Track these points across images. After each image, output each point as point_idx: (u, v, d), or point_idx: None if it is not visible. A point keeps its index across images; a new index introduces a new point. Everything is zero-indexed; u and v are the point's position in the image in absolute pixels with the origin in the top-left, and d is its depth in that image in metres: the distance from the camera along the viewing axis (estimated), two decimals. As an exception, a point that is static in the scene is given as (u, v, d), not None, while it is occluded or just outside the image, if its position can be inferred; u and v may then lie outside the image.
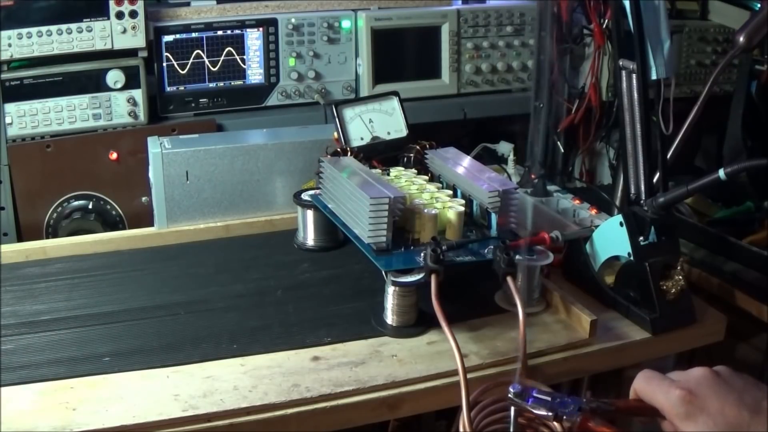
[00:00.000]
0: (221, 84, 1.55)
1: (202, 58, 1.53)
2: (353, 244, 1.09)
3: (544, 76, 1.55)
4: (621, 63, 1.12)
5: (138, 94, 1.47)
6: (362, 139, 1.31)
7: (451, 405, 0.95)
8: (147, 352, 0.99)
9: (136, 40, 1.44)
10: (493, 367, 0.99)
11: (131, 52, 1.46)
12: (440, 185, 1.20)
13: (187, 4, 1.54)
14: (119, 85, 1.45)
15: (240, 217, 1.35)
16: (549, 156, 1.73)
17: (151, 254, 1.27)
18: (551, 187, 1.37)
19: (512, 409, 0.81)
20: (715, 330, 1.13)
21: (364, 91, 1.61)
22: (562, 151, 1.76)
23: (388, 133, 1.34)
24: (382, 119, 1.34)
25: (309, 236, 1.28)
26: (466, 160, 1.22)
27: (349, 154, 1.25)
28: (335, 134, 1.31)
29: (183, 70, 1.52)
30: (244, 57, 1.56)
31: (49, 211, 1.45)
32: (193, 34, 1.52)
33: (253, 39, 1.55)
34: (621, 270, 1.12)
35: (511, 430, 0.82)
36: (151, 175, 1.30)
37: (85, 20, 1.40)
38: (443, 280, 0.99)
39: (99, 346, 1.00)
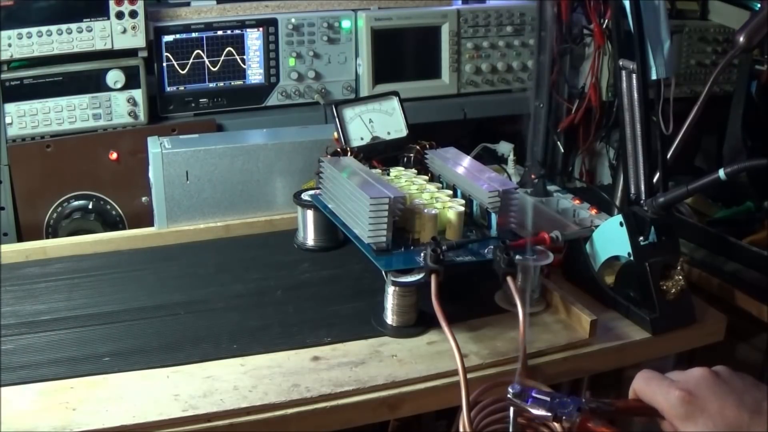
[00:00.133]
0: (221, 84, 1.55)
1: (202, 58, 1.53)
2: (353, 244, 1.09)
3: (544, 76, 1.55)
4: (621, 63, 1.12)
5: (138, 94, 1.47)
6: (362, 139, 1.31)
7: (451, 405, 0.95)
8: (147, 352, 0.99)
9: (136, 40, 1.44)
10: (493, 367, 0.99)
11: (131, 52, 1.46)
12: (440, 185, 1.20)
13: (187, 4, 1.54)
14: (119, 85, 1.45)
15: (240, 217, 1.35)
16: (549, 156, 1.73)
17: (151, 254, 1.27)
18: (551, 187, 1.37)
19: (511, 409, 0.81)
20: (715, 330, 1.13)
21: (364, 91, 1.61)
22: (562, 151, 1.76)
23: (388, 133, 1.34)
24: (382, 119, 1.34)
25: (309, 236, 1.28)
26: (466, 160, 1.22)
27: (349, 154, 1.25)
28: (335, 134, 1.31)
29: (183, 70, 1.52)
30: (244, 57, 1.56)
31: (49, 211, 1.45)
32: (193, 34, 1.51)
33: (253, 39, 1.55)
34: (621, 270, 1.12)
35: (511, 430, 0.82)
36: (151, 175, 1.30)
37: (85, 20, 1.40)
38: (443, 280, 0.99)
39: (99, 346, 1.00)
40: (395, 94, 1.36)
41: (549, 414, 0.76)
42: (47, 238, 1.43)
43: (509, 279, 1.00)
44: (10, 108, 1.40)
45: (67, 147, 1.44)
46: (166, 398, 0.90)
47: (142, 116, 1.48)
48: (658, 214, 1.09)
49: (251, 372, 0.96)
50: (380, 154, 1.30)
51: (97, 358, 0.97)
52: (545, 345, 1.03)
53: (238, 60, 1.55)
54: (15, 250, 1.24)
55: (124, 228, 1.47)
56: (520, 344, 0.94)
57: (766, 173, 1.26)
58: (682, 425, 0.73)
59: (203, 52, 1.52)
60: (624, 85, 1.13)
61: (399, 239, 1.07)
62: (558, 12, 1.60)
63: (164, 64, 1.50)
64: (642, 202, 1.12)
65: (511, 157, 1.61)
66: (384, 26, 1.60)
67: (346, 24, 1.60)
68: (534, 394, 0.77)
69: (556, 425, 0.77)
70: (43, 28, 1.38)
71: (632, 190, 1.14)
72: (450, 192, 1.16)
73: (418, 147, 1.28)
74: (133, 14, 1.43)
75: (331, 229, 1.25)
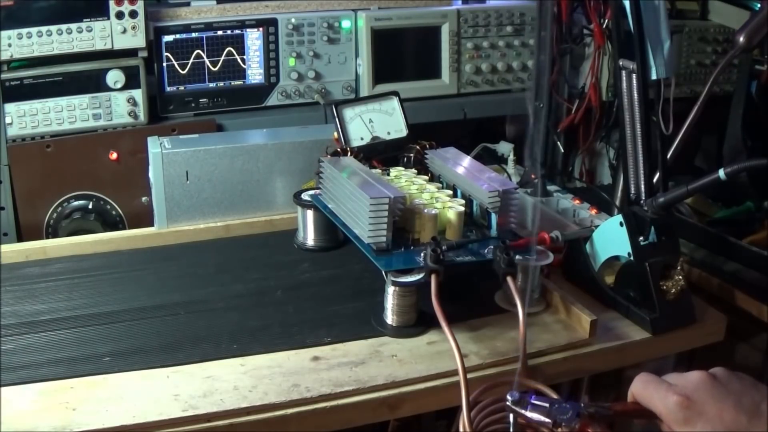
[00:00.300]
0: (221, 84, 1.55)
1: (202, 58, 1.53)
2: (353, 244, 1.09)
3: (544, 76, 1.55)
4: (621, 63, 1.12)
5: (138, 94, 1.47)
6: (362, 139, 1.31)
7: (451, 405, 0.95)
8: (147, 352, 0.99)
9: (136, 40, 1.44)
10: (493, 367, 0.99)
11: (131, 52, 1.46)
12: (440, 185, 1.20)
13: (187, 4, 1.54)
14: (119, 85, 1.45)
15: (240, 217, 1.35)
16: (549, 156, 1.73)
17: (151, 254, 1.27)
18: (551, 187, 1.37)
19: (511, 415, 0.81)
20: (715, 330, 1.13)
21: (364, 91, 1.61)
22: (562, 151, 1.76)
23: (388, 133, 1.34)
24: (382, 119, 1.34)
25: (309, 236, 1.28)
26: (466, 160, 1.22)
27: (349, 154, 1.25)
28: (335, 134, 1.31)
29: (183, 70, 1.52)
30: (244, 57, 1.55)
31: (49, 211, 1.45)
32: (193, 34, 1.51)
33: (253, 39, 1.55)
34: (621, 270, 1.12)
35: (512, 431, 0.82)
36: (151, 175, 1.30)
37: (85, 20, 1.40)
38: (443, 280, 0.99)
39: (99, 346, 1.00)
40: (395, 94, 1.36)
41: (548, 420, 0.76)
42: (47, 238, 1.43)
43: (509, 279, 1.00)
44: (10, 108, 1.40)
45: (67, 147, 1.44)
46: (166, 398, 0.90)
47: (142, 116, 1.48)
48: (658, 214, 1.09)
49: (251, 372, 0.96)
50: (380, 154, 1.30)
51: (97, 358, 0.97)
52: (545, 345, 1.03)
53: (238, 60, 1.55)
54: (15, 250, 1.24)
55: (124, 228, 1.47)
56: (520, 344, 0.94)
57: (766, 173, 1.25)
58: (681, 429, 0.73)
59: (203, 52, 1.52)
60: (624, 85, 1.13)
61: (399, 239, 1.07)
62: (558, 12, 1.60)
63: (164, 64, 1.50)
64: (642, 202, 1.12)
65: (511, 157, 1.61)
66: (384, 26, 1.60)
67: (346, 24, 1.60)
68: (533, 401, 0.77)
69: (556, 431, 0.77)
70: (43, 28, 1.38)
71: (632, 190, 1.14)
72: (450, 192, 1.16)
73: (418, 147, 1.28)
74: (133, 14, 1.43)
75: (331, 229, 1.25)
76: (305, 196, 1.27)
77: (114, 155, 1.46)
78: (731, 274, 1.24)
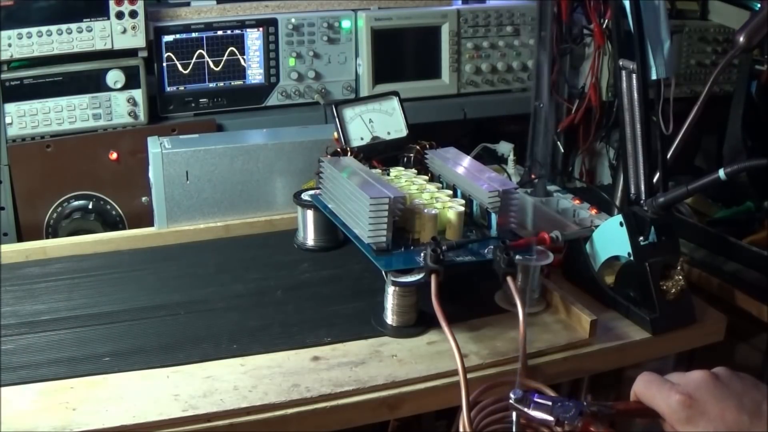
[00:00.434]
0: (221, 84, 1.55)
1: (202, 58, 1.53)
2: (353, 244, 1.09)
3: (544, 76, 1.55)
4: (621, 63, 1.12)
5: (138, 94, 1.47)
6: (362, 139, 1.31)
7: (451, 405, 0.95)
8: (147, 352, 0.99)
9: (136, 40, 1.44)
10: (493, 367, 0.99)
11: (131, 52, 1.46)
12: (440, 185, 1.20)
13: (187, 4, 1.54)
14: (119, 85, 1.45)
15: (240, 217, 1.35)
16: (549, 156, 1.73)
17: (151, 254, 1.27)
18: (551, 187, 1.37)
19: (514, 414, 0.81)
20: (715, 330, 1.13)
21: (364, 91, 1.61)
22: (562, 151, 1.76)
23: (388, 133, 1.34)
24: (382, 119, 1.34)
25: (309, 236, 1.28)
26: (466, 160, 1.22)
27: (349, 154, 1.25)
28: (335, 134, 1.31)
29: (183, 70, 1.52)
30: (244, 57, 1.56)
31: (49, 211, 1.45)
32: (193, 34, 1.51)
33: (253, 39, 1.55)
34: (621, 270, 1.12)
35: (514, 430, 0.82)
36: (151, 175, 1.30)
37: (85, 20, 1.40)
38: (443, 280, 0.99)
39: (99, 346, 1.00)
40: (395, 94, 1.36)
41: (551, 418, 0.76)
42: (47, 238, 1.43)
43: (509, 279, 1.00)
44: (10, 108, 1.40)
45: (67, 147, 1.44)
46: (166, 398, 0.90)
47: (142, 116, 1.48)
48: (658, 214, 1.09)
49: (251, 372, 0.96)
50: (380, 154, 1.30)
51: (97, 358, 0.97)
52: (545, 345, 1.03)
53: (239, 60, 1.55)
54: (15, 250, 1.24)
55: (124, 228, 1.47)
56: (520, 344, 0.94)
57: (766, 173, 1.26)
58: (683, 429, 0.73)
59: (203, 52, 1.52)
60: (624, 85, 1.13)
61: (399, 239, 1.07)
62: (558, 12, 1.60)
63: (164, 64, 1.50)
64: (642, 202, 1.12)
65: (511, 157, 1.61)
66: (384, 26, 1.60)
67: (346, 24, 1.60)
68: (536, 399, 0.77)
69: (558, 429, 0.77)
70: (43, 28, 1.38)
71: (632, 190, 1.14)
72: (450, 192, 1.16)
73: (418, 147, 1.28)
74: (133, 14, 1.43)
75: (331, 229, 1.25)
76: (305, 196, 1.27)
77: (114, 155, 1.46)
78: (731, 274, 1.24)
